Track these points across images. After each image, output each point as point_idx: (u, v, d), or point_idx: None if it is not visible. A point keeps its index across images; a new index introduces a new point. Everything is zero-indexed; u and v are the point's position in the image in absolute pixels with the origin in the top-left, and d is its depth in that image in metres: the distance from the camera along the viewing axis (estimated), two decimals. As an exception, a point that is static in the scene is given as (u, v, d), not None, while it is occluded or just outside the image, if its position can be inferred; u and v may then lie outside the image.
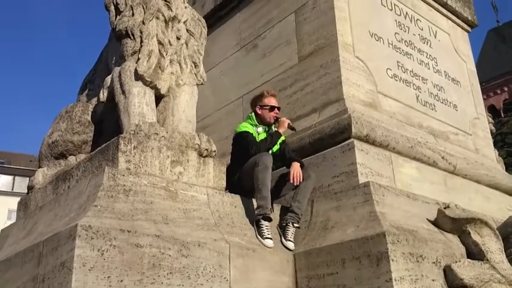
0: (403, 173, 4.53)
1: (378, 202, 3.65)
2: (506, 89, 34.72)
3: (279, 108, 4.37)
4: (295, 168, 3.97)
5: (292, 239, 3.84)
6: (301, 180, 3.93)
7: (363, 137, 4.31)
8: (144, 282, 2.91)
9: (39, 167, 4.54)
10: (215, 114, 6.08)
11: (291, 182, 3.95)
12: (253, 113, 4.37)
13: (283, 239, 3.85)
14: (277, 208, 4.11)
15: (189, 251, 3.16)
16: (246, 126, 4.25)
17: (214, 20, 6.44)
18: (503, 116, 29.66)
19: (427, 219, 3.90)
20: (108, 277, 2.79)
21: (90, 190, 3.28)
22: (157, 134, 3.64)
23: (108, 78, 4.19)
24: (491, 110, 30.51)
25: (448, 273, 3.41)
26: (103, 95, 4.21)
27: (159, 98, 4.16)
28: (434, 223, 3.89)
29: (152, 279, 2.95)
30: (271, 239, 3.71)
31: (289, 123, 4.25)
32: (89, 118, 4.41)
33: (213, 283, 3.20)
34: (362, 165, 4.14)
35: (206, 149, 3.84)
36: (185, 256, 3.13)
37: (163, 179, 3.51)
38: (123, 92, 3.94)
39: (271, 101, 4.32)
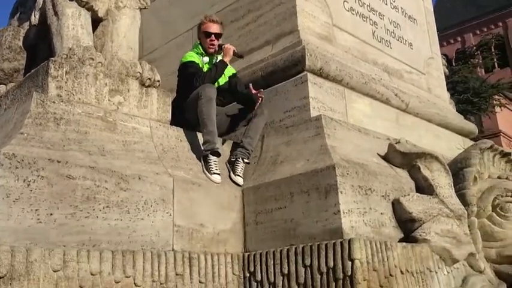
0: (355, 109, 4.41)
1: (329, 136, 3.51)
2: (459, 38, 35.20)
3: (218, 35, 4.02)
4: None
5: (241, 175, 3.69)
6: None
7: (317, 70, 4.12)
8: (77, 215, 2.70)
9: (-34, 97, 4.14)
10: (163, 48, 5.73)
11: (257, 98, 3.78)
12: (199, 42, 4.07)
13: (231, 174, 3.69)
14: (227, 144, 3.92)
15: (128, 184, 2.95)
16: (191, 56, 3.96)
17: None
18: (454, 65, 30.23)
19: (378, 154, 3.81)
20: (36, 210, 2.56)
21: (17, 118, 2.98)
22: (92, 59, 3.32)
23: (40, -1, 3.79)
24: (445, 59, 30.91)
25: (396, 206, 3.36)
26: (34, 17, 3.85)
27: (97, 22, 3.81)
28: (385, 158, 3.81)
29: (86, 212, 2.74)
30: (219, 174, 3.54)
31: (234, 50, 3.95)
32: (20, 44, 4.02)
33: (155, 217, 3.03)
34: (315, 100, 3.98)
35: (149, 78, 3.57)
36: (124, 189, 2.92)
37: (100, 109, 3.24)
38: (56, 13, 3.58)
39: (210, 27, 3.98)
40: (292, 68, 4.10)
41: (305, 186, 3.22)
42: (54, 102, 3.01)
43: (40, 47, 3.95)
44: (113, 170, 2.92)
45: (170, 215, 3.11)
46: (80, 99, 3.20)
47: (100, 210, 2.79)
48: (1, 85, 3.96)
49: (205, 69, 3.93)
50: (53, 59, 3.18)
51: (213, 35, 4.00)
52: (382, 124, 4.63)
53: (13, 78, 3.98)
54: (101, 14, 3.72)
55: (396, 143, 3.82)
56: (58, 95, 3.11)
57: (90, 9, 3.65)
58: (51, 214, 2.61)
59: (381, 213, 3.26)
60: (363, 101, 4.54)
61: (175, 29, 5.60)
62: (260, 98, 3.79)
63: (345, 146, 3.56)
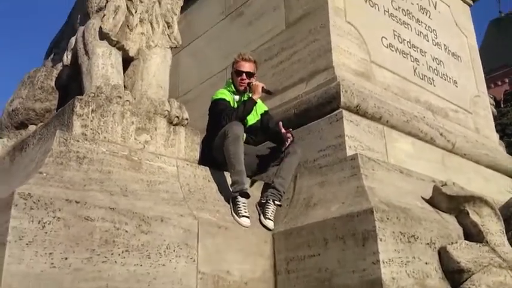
0: (397, 148, 4.14)
1: (367, 176, 3.26)
2: (507, 80, 34.24)
3: (250, 74, 3.88)
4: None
5: (272, 218, 3.46)
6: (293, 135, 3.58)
7: (353, 107, 3.91)
8: (94, 260, 2.53)
9: (0, 138, 4.15)
10: (198, 89, 5.68)
11: (285, 137, 3.58)
12: (231, 79, 3.96)
13: (261, 218, 3.47)
14: (258, 185, 3.73)
15: (149, 227, 2.78)
16: (222, 93, 3.84)
17: (199, -12, 6.03)
18: (503, 106, 29.21)
19: (422, 197, 3.51)
20: (50, 253, 2.41)
21: (39, 157, 2.90)
22: (120, 97, 3.25)
23: (73, 39, 3.80)
24: (492, 99, 29.97)
25: (443, 255, 3.04)
26: (67, 57, 3.83)
27: (128, 61, 3.76)
28: (430, 202, 3.51)
29: (104, 257, 2.57)
30: (248, 217, 3.33)
31: (263, 87, 3.80)
32: (53, 84, 4.02)
33: (178, 263, 2.83)
34: (351, 138, 3.75)
35: (177, 116, 3.46)
36: (145, 232, 2.75)
37: (126, 147, 3.12)
38: (87, 53, 3.55)
39: (242, 66, 3.87)
40: (327, 105, 3.91)
41: (340, 231, 2.96)
42: (78, 140, 2.92)
43: (72, 87, 3.93)
44: (134, 211, 2.77)
45: (194, 260, 2.90)
46: (105, 137, 3.10)
47: (119, 255, 2.62)
48: (32, 125, 3.94)
49: (235, 107, 3.80)
50: (79, 97, 3.12)
51: (244, 74, 3.89)
52: (426, 165, 4.33)
53: (44, 118, 3.96)
54: (132, 53, 3.68)
55: (442, 186, 3.52)
56: (83, 133, 3.02)
57: (121, 48, 3.61)
58: (66, 258, 2.45)
59: (426, 263, 2.95)
60: (405, 140, 4.27)
61: (210, 69, 5.55)
62: (288, 139, 3.59)
63: (384, 188, 3.29)
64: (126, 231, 2.69)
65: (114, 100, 3.22)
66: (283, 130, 3.62)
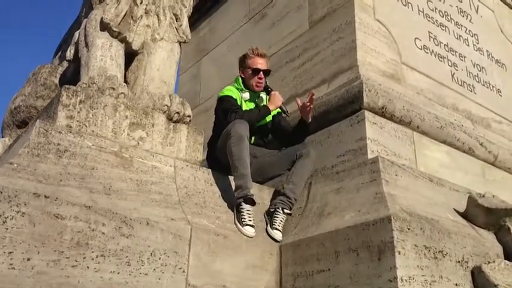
0: (428, 157, 3.68)
1: (388, 182, 2.82)
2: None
3: (267, 72, 3.55)
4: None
5: (280, 228, 3.06)
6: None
7: (378, 109, 3.50)
8: (62, 263, 2.21)
9: (2, 137, 3.97)
10: (219, 95, 5.38)
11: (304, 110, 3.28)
12: (239, 76, 3.62)
13: (268, 228, 3.08)
14: (269, 192, 3.35)
15: (131, 230, 2.45)
16: (229, 90, 3.51)
17: (224, -8, 5.80)
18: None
19: (455, 210, 3.04)
20: (10, 252, 2.11)
21: (17, 148, 2.63)
22: (114, 88, 2.97)
23: (77, 33, 3.58)
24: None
25: (477, 276, 2.55)
26: (70, 52, 3.63)
27: (133, 56, 3.50)
28: (464, 215, 3.03)
29: (74, 260, 2.25)
30: (252, 226, 2.95)
31: (282, 104, 3.46)
32: (56, 81, 3.81)
33: (163, 273, 2.47)
34: (374, 142, 3.33)
35: (177, 112, 3.15)
36: (125, 236, 2.42)
37: (116, 143, 2.82)
38: (86, 45, 3.31)
39: (258, 63, 3.51)
40: (348, 106, 3.51)
41: (353, 243, 2.53)
42: (60, 132, 2.64)
43: (75, 82, 3.70)
44: (115, 211, 2.44)
45: (184, 271, 2.54)
46: (93, 131, 2.82)
47: (92, 259, 2.29)
48: (33, 123, 3.72)
49: (244, 106, 3.46)
50: (67, 86, 2.86)
51: (261, 72, 3.54)
52: (463, 177, 3.84)
53: (47, 116, 3.74)
54: (135, 46, 3.41)
55: (479, 197, 3.04)
56: (68, 125, 2.74)
57: (123, 40, 3.35)
58: (28, 259, 2.14)
59: (456, 284, 2.47)
60: (439, 149, 3.80)
61: (231, 74, 5.21)
62: (310, 107, 3.30)
63: (408, 196, 2.84)
64: (103, 233, 2.36)
65: (106, 91, 2.94)
66: (300, 103, 3.31)
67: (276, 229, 3.04)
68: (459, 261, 2.56)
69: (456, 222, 2.87)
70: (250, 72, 3.54)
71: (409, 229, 2.44)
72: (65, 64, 3.89)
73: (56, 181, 2.44)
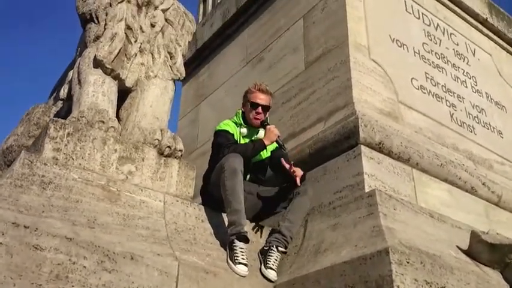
0: (429, 195, 3.56)
1: (386, 216, 2.71)
2: None
3: (266, 108, 3.46)
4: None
5: (274, 267, 2.92)
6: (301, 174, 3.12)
7: (375, 144, 3.42)
8: (39, 298, 2.08)
9: (-7, 178, 3.89)
10: (216, 138, 5.33)
11: (290, 174, 3.13)
12: (240, 110, 3.56)
13: (262, 267, 2.93)
14: (265, 231, 3.23)
15: (114, 265, 2.32)
16: (226, 124, 3.45)
17: (221, 39, 5.88)
18: None
19: (458, 246, 2.90)
20: (-17, 286, 1.99)
21: (3, 181, 2.55)
22: (103, 122, 2.92)
23: (71, 72, 3.58)
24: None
25: (484, 315, 2.39)
26: (63, 91, 3.64)
27: (126, 94, 3.48)
28: (468, 253, 2.88)
29: (52, 295, 2.11)
30: (245, 264, 2.81)
31: (277, 138, 3.33)
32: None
33: (147, 312, 2.32)
34: (371, 177, 3.24)
35: (168, 146, 3.08)
36: (108, 271, 2.29)
37: (103, 177, 2.74)
38: (79, 82, 3.29)
39: (257, 97, 3.44)
40: (344, 141, 3.44)
41: (350, 279, 2.39)
42: (45, 164, 2.57)
43: (68, 122, 3.66)
44: (98, 244, 2.32)
45: (170, 310, 2.39)
46: (80, 164, 2.74)
47: (71, 295, 2.16)
48: (24, 163, 3.65)
49: (241, 142, 3.39)
50: (55, 119, 2.82)
51: (260, 107, 3.44)
52: (466, 217, 3.70)
53: (38, 156, 3.68)
54: (128, 83, 3.39)
55: (483, 234, 2.90)
56: (54, 157, 2.68)
57: (116, 77, 3.33)
58: (2, 293, 2.02)
59: (460, 323, 2.31)
60: (439, 187, 3.69)
61: (228, 117, 5.22)
62: (296, 176, 3.11)
63: (408, 230, 2.72)
64: (84, 267, 2.24)
65: (96, 125, 2.89)
66: (286, 165, 3.16)
67: (271, 268, 2.90)
68: (463, 299, 2.40)
69: (459, 259, 2.73)
70: (249, 106, 3.46)
71: (408, 262, 2.30)
72: (59, 104, 3.87)
73: (38, 212, 2.34)
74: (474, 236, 2.85)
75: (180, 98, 6.40)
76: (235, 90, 5.29)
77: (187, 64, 6.26)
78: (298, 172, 3.13)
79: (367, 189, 3.14)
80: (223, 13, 5.82)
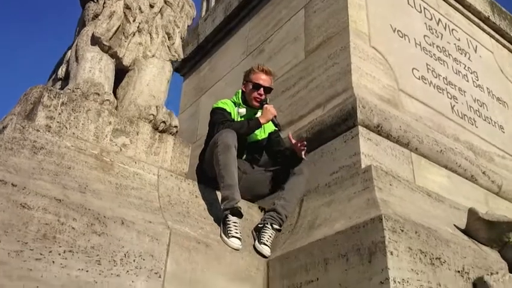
0: (428, 179, 3.51)
1: (382, 190, 2.67)
2: None
3: (268, 90, 3.43)
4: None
5: (268, 244, 2.87)
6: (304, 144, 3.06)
7: (373, 127, 3.39)
8: (25, 255, 2.05)
9: (-11, 158, 3.87)
10: (216, 130, 5.31)
11: (298, 148, 3.07)
12: (240, 90, 3.53)
13: (256, 243, 2.89)
14: (258, 209, 3.21)
15: (104, 228, 2.29)
16: (224, 103, 3.42)
17: (223, 33, 5.89)
18: None
19: (455, 225, 2.85)
20: (-32, 239, 1.96)
21: (-6, 146, 2.53)
22: (98, 94, 2.92)
23: (69, 52, 3.58)
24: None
25: (479, 287, 2.33)
26: (61, 70, 3.61)
27: (124, 73, 3.48)
28: (465, 232, 2.83)
29: (39, 253, 2.08)
30: (239, 238, 2.77)
31: (274, 117, 3.30)
32: (47, 101, 3.75)
33: (137, 276, 2.28)
34: (368, 157, 3.20)
35: (163, 121, 3.06)
36: (97, 233, 2.26)
37: (97, 147, 2.72)
38: (77, 59, 3.30)
39: (260, 78, 3.40)
40: (342, 123, 3.41)
41: (343, 248, 2.35)
42: (38, 130, 2.55)
43: (66, 102, 3.65)
44: (88, 207, 2.30)
45: (160, 276, 2.35)
46: (73, 133, 2.73)
47: (59, 254, 2.13)
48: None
49: (237, 120, 3.36)
50: (49, 87, 2.81)
51: (262, 88, 3.40)
52: (465, 203, 3.62)
53: (35, 136, 3.66)
54: (126, 62, 3.39)
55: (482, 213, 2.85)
56: (47, 125, 2.66)
57: (114, 55, 3.33)
58: (-13, 248, 1.99)
59: (456, 293, 2.25)
60: (439, 172, 3.65)
61: (228, 109, 5.21)
62: (303, 150, 3.07)
63: (404, 204, 2.68)
64: (73, 228, 2.21)
65: (90, 97, 2.88)
66: (293, 140, 3.12)
67: (264, 244, 2.86)
68: (459, 271, 2.35)
69: (456, 235, 2.68)
70: (251, 86, 3.42)
71: (402, 231, 2.26)
72: (58, 85, 3.85)
73: (27, 174, 2.32)
74: (472, 213, 2.80)
75: (181, 93, 6.40)
76: (236, 82, 5.27)
77: (188, 59, 6.32)
78: (304, 147, 3.08)
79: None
80: (225, 7, 5.84)
